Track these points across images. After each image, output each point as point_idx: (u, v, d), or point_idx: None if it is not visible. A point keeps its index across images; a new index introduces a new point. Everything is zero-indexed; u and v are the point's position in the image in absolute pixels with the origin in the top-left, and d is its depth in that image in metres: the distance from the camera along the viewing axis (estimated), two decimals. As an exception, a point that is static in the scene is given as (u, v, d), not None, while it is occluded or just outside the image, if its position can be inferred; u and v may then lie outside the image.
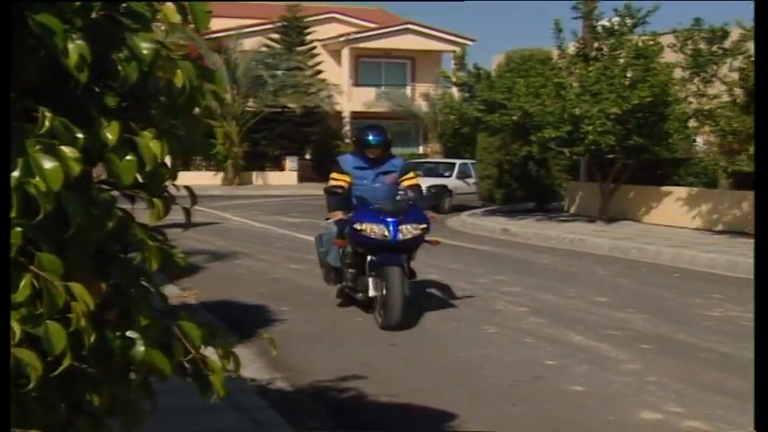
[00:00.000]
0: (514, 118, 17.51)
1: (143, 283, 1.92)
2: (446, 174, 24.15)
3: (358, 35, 40.01)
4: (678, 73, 16.81)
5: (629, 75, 16.71)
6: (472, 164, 24.77)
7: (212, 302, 8.93)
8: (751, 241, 14.37)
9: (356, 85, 40.43)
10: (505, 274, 11.48)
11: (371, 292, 7.95)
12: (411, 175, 8.67)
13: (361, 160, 8.46)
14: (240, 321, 8.00)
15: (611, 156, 17.43)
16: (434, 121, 35.99)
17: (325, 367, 6.46)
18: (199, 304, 8.81)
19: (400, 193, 8.45)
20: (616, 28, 17.34)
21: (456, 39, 39.41)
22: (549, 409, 5.57)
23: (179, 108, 1.83)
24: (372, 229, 7.90)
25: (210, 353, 2.07)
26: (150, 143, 1.76)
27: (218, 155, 1.99)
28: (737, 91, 14.31)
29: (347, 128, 39.64)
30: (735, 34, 16.27)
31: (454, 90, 21.63)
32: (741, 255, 12.66)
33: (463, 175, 24.38)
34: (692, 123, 17.09)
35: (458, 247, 14.47)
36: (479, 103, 18.28)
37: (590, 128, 16.42)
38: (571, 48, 18.26)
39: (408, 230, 7.95)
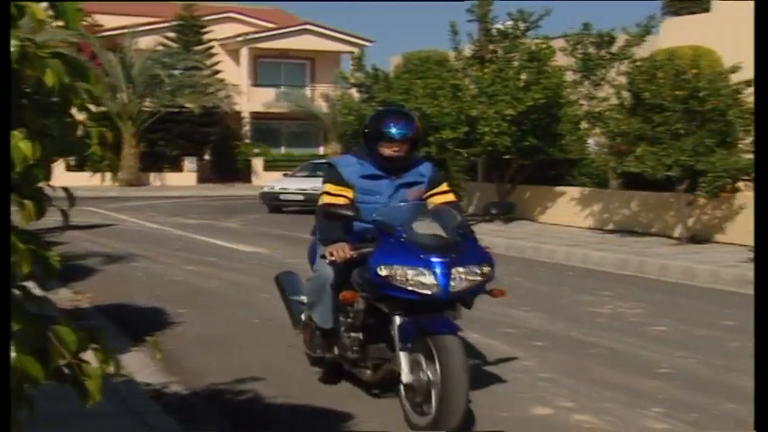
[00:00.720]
0: (412, 119, 17.65)
1: (16, 286, 1.86)
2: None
3: (256, 35, 39.73)
4: (569, 76, 17.29)
5: (522, 77, 17.07)
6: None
7: (106, 306, 8.72)
8: (639, 240, 14.89)
9: (255, 85, 40.14)
10: (404, 273, 11.54)
11: (406, 377, 4.94)
12: (444, 187, 5.71)
13: (373, 165, 5.48)
14: (135, 324, 7.83)
15: (507, 156, 17.77)
16: (334, 122, 36.00)
17: (222, 369, 6.39)
18: (92, 308, 8.60)
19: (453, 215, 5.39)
20: (510, 31, 17.70)
21: (354, 40, 39.59)
22: (445, 406, 5.63)
23: (51, 107, 1.79)
24: (407, 276, 4.93)
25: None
26: (20, 143, 1.71)
27: (94, 155, 1.95)
28: (625, 94, 14.79)
29: (247, 128, 39.31)
30: (621, 40, 16.86)
31: (353, 91, 21.71)
32: (630, 253, 13.08)
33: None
34: (583, 125, 17.59)
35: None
36: (378, 104, 18.38)
37: (486, 129, 16.71)
38: (467, 50, 18.56)
39: (464, 276, 5.06)
